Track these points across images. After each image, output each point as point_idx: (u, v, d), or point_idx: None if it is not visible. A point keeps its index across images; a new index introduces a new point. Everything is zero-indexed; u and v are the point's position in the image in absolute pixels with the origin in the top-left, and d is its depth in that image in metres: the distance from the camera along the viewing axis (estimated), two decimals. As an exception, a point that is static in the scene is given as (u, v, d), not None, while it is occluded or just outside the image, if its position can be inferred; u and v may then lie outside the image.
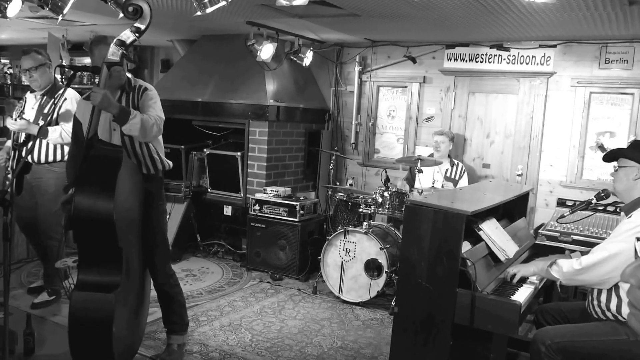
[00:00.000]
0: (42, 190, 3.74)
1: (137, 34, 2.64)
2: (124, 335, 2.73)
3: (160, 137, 3.03)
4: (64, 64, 5.83)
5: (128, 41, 2.64)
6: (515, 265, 2.81)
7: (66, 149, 3.75)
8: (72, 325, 2.48)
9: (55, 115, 3.64)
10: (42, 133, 3.54)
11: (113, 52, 2.63)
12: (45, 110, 3.65)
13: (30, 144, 3.61)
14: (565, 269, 2.48)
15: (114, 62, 2.64)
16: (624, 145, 4.31)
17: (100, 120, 2.75)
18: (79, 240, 2.55)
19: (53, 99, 3.66)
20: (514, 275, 2.71)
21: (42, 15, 4.79)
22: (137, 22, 2.63)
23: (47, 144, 3.69)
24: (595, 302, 2.46)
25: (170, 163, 3.12)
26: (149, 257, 2.98)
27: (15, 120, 3.63)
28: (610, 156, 2.59)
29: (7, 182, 3.72)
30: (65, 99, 3.69)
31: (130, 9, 2.60)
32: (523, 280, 2.77)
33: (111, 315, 2.45)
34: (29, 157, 3.68)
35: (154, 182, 3.00)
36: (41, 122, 3.59)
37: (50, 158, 3.72)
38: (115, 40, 2.64)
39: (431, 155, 4.95)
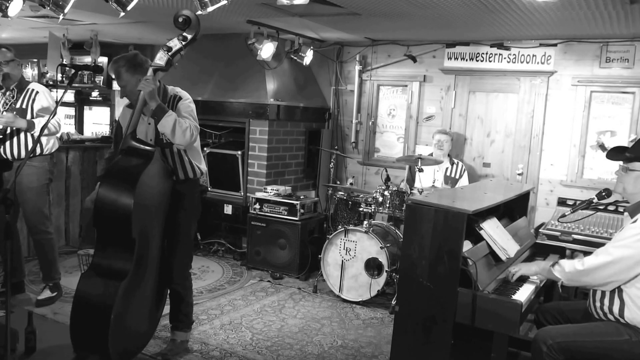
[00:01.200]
0: (24, 187, 3.68)
1: (183, 42, 2.78)
2: (133, 326, 2.81)
3: (198, 146, 3.09)
4: (64, 63, 5.83)
5: (175, 48, 2.78)
6: (517, 264, 2.81)
7: (44, 141, 3.74)
8: (75, 304, 2.65)
9: (30, 110, 3.65)
10: (30, 126, 3.55)
11: (160, 57, 2.78)
12: (17, 105, 3.65)
13: (9, 141, 3.59)
14: (567, 269, 2.47)
15: (159, 67, 2.79)
16: (625, 144, 4.31)
17: (140, 128, 2.89)
18: (97, 226, 2.72)
19: (23, 94, 3.67)
20: (514, 274, 2.71)
21: (43, 14, 4.79)
22: (185, 31, 2.77)
23: (25, 139, 3.67)
24: (598, 304, 2.45)
25: (204, 169, 3.18)
26: (171, 256, 3.05)
27: (2, 113, 3.61)
28: (619, 156, 2.56)
29: None
30: (37, 92, 3.69)
31: (180, 19, 2.76)
32: (524, 279, 2.77)
33: (111, 303, 2.56)
34: (8, 154, 3.66)
35: (187, 185, 3.06)
36: (28, 119, 3.60)
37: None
38: (163, 46, 2.79)
39: (431, 154, 4.95)
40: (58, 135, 3.87)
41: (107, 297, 2.58)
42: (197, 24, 2.76)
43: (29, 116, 3.65)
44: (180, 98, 2.98)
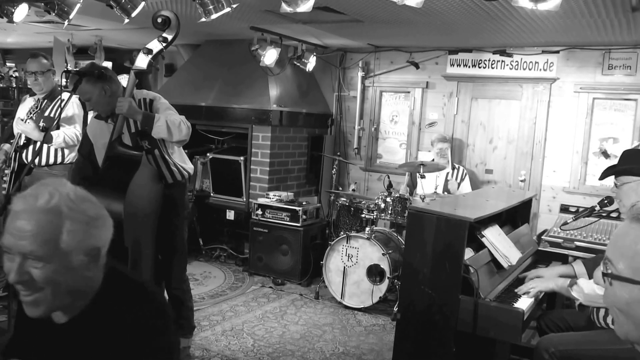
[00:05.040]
0: None
1: (164, 44, 2.71)
2: None
3: (180, 146, 3.06)
4: (69, 68, 5.86)
5: (155, 50, 2.71)
6: (533, 280, 2.74)
7: (66, 151, 3.79)
8: None
9: (58, 120, 3.68)
10: (47, 139, 3.58)
11: (141, 60, 2.70)
12: (47, 114, 3.68)
13: (32, 147, 3.63)
14: (586, 290, 2.39)
15: (141, 70, 2.71)
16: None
17: (126, 134, 2.85)
18: None
19: (54, 103, 3.71)
20: (530, 290, 2.64)
21: (48, 19, 4.82)
22: (165, 32, 2.70)
23: (48, 146, 3.72)
24: (602, 314, 2.43)
25: (191, 170, 3.16)
26: (166, 261, 3.04)
27: (25, 121, 3.66)
28: (607, 173, 2.55)
29: (4, 185, 3.74)
30: (67, 103, 3.72)
31: (159, 19, 2.67)
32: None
33: None
34: (28, 159, 3.70)
35: (176, 188, 3.05)
36: (42, 124, 3.62)
37: (51, 161, 3.76)
38: (142, 48, 2.71)
39: (432, 160, 4.96)
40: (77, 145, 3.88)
41: None
42: (176, 24, 2.69)
43: (56, 124, 3.68)
44: (152, 100, 2.95)
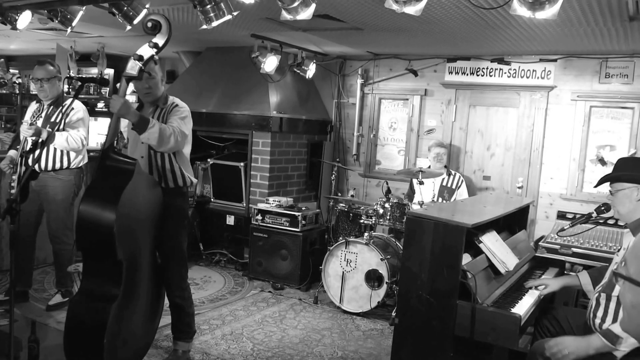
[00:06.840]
0: (49, 197, 3.81)
1: (155, 49, 2.66)
2: (129, 340, 2.78)
3: (187, 153, 3.08)
4: (71, 74, 5.91)
5: (146, 56, 2.66)
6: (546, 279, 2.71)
7: (72, 156, 3.83)
8: (67, 329, 2.57)
9: (62, 124, 3.72)
10: (50, 138, 3.62)
11: (131, 67, 2.66)
12: (53, 119, 3.74)
13: (37, 152, 3.67)
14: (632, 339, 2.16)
15: (132, 77, 2.68)
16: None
17: (141, 147, 2.88)
18: (81, 248, 2.61)
19: (60, 109, 3.76)
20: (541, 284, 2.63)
21: (51, 27, 4.87)
22: (155, 37, 2.66)
23: (54, 152, 3.77)
24: (598, 321, 2.45)
25: (194, 180, 3.16)
26: (166, 269, 3.06)
27: (30, 125, 3.70)
28: (603, 180, 2.57)
29: (13, 190, 3.78)
30: (73, 108, 3.78)
31: (149, 24, 2.64)
32: (524, 291, 2.80)
33: (104, 326, 2.48)
34: (36, 165, 3.75)
35: (178, 197, 3.06)
36: (48, 130, 3.67)
37: (57, 165, 3.81)
38: (133, 55, 2.68)
39: (428, 167, 5.00)
40: (82, 150, 3.87)
41: (98, 321, 2.49)
42: (167, 29, 2.64)
43: (61, 127, 3.72)
44: (177, 105, 3.00)
